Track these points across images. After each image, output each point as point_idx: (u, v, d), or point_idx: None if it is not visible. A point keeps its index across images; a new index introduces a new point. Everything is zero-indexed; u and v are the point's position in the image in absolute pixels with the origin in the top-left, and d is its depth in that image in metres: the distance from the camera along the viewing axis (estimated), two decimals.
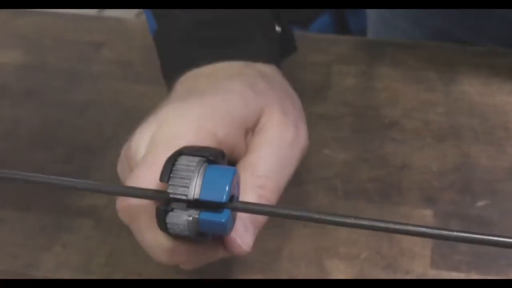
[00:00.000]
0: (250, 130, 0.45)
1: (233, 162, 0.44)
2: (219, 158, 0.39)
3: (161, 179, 0.37)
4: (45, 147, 0.60)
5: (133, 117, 0.60)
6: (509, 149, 0.58)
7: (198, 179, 0.37)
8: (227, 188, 0.37)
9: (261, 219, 0.43)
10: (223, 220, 0.37)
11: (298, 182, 0.55)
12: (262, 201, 0.42)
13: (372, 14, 0.86)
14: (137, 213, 0.40)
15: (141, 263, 0.50)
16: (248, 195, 0.41)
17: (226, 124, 0.42)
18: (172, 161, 0.38)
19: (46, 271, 0.50)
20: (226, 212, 0.37)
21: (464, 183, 0.55)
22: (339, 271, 0.49)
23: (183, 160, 0.38)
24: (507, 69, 0.65)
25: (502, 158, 0.57)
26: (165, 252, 0.40)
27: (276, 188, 0.43)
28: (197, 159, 0.38)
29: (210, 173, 0.38)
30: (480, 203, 0.53)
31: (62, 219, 0.53)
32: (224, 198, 0.37)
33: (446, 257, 0.50)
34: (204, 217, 0.37)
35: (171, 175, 0.37)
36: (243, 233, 0.41)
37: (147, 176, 0.39)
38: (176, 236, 0.39)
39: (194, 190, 0.37)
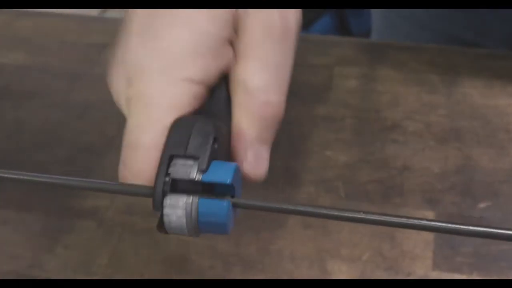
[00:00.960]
0: (232, 33, 0.39)
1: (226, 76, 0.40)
2: (213, 152, 0.37)
3: (155, 193, 0.37)
4: (47, 148, 0.60)
5: None
6: (511, 151, 0.58)
7: (197, 179, 0.36)
8: (229, 179, 0.36)
9: (270, 133, 0.39)
10: (224, 221, 0.37)
11: (300, 184, 0.55)
12: (268, 121, 0.38)
13: (376, 16, 0.87)
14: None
15: (143, 264, 0.50)
16: (251, 119, 0.38)
17: (198, 63, 0.38)
18: (165, 167, 0.37)
19: (48, 272, 0.50)
20: (226, 211, 0.37)
21: (466, 185, 0.55)
22: (341, 272, 0.49)
23: (176, 166, 0.37)
24: (509, 71, 0.65)
25: (503, 160, 0.57)
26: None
27: (282, 96, 0.38)
28: (191, 162, 0.37)
29: (210, 172, 0.37)
30: (481, 205, 0.53)
31: (64, 220, 0.53)
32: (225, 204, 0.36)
33: (447, 258, 0.50)
34: (203, 219, 0.37)
35: (165, 185, 0.36)
36: (254, 161, 0.38)
37: (136, 162, 0.37)
38: (160, 228, 0.38)
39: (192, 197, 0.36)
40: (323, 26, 1.54)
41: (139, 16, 0.40)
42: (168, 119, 0.37)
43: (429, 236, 0.51)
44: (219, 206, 0.36)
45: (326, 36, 0.75)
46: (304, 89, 0.64)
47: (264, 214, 0.53)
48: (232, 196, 0.37)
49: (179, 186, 0.36)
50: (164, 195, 0.36)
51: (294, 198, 0.54)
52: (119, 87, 0.39)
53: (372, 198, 0.54)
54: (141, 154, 0.37)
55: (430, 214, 0.53)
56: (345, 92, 0.64)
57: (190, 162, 0.36)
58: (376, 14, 0.87)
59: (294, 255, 0.50)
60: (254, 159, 0.38)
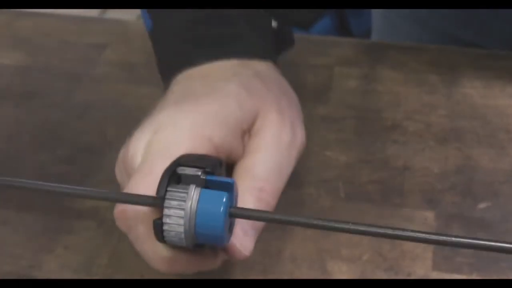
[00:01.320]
0: (247, 131, 0.45)
1: (231, 165, 0.44)
2: (216, 168, 0.39)
3: (158, 193, 0.37)
4: (47, 148, 0.60)
5: (135, 119, 0.60)
6: (511, 152, 0.58)
7: (196, 192, 0.37)
8: (224, 199, 0.37)
9: (261, 222, 0.43)
10: (220, 233, 0.38)
11: (300, 184, 0.55)
12: (262, 204, 0.42)
13: (377, 16, 0.87)
14: (134, 223, 0.40)
15: (143, 265, 0.50)
16: (247, 198, 0.41)
17: (221, 129, 0.42)
18: (169, 173, 0.38)
19: (48, 272, 0.50)
20: (223, 224, 0.38)
21: (466, 185, 0.55)
22: (341, 273, 0.49)
23: (182, 174, 0.38)
24: (509, 71, 0.65)
25: (503, 161, 0.57)
26: (164, 261, 0.40)
27: (276, 189, 0.43)
28: (194, 170, 0.38)
29: (208, 185, 0.38)
30: (481, 205, 0.53)
31: (64, 220, 0.53)
32: (222, 210, 0.37)
33: (447, 259, 0.50)
34: (201, 230, 0.38)
35: (168, 189, 0.37)
36: (243, 237, 0.41)
37: (143, 187, 0.39)
38: (174, 246, 0.39)
39: (191, 202, 0.37)
40: (323, 27, 1.54)
41: (175, 90, 0.46)
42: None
43: None
44: (215, 230, 0.37)
45: (326, 37, 0.75)
46: (304, 89, 0.64)
47: None
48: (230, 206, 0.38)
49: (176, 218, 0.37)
50: (162, 226, 0.37)
51: (294, 198, 0.54)
52: (141, 138, 0.42)
53: (372, 198, 0.54)
54: (151, 179, 0.39)
55: (430, 214, 0.53)
56: (345, 92, 0.64)
57: (194, 169, 0.37)
58: (377, 14, 0.87)
59: (295, 255, 0.50)
60: (242, 235, 0.41)
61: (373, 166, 0.57)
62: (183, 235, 0.38)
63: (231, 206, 0.38)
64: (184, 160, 0.39)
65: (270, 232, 0.52)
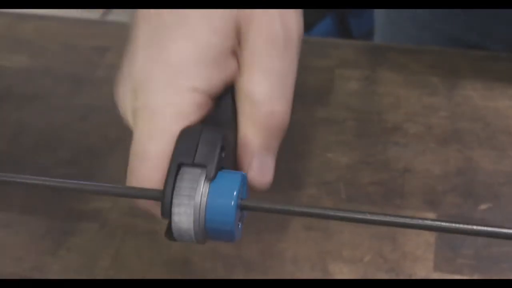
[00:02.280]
0: (235, 45, 0.40)
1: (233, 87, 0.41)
2: (220, 161, 0.38)
3: (165, 190, 0.37)
4: (49, 150, 0.60)
5: None
6: None
7: (205, 187, 0.37)
8: (235, 193, 0.37)
9: (275, 143, 0.39)
10: (231, 227, 0.37)
11: (301, 186, 0.55)
12: (273, 131, 0.39)
13: (379, 17, 0.87)
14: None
15: (145, 266, 0.50)
16: (256, 129, 0.39)
17: (203, 71, 0.39)
18: (173, 176, 0.37)
19: (51, 274, 0.50)
20: (233, 219, 0.37)
21: (467, 187, 0.55)
22: (343, 274, 0.49)
23: (185, 175, 0.38)
24: (510, 73, 0.65)
25: (504, 162, 0.57)
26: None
27: (286, 105, 0.39)
28: (199, 171, 0.38)
29: (217, 180, 0.37)
30: (482, 207, 0.54)
31: (66, 222, 0.53)
32: (232, 204, 0.37)
33: (448, 260, 0.50)
34: (211, 225, 0.37)
35: (176, 184, 0.37)
36: (259, 169, 0.39)
37: (144, 173, 0.38)
38: (169, 236, 0.38)
39: (200, 198, 0.37)
40: (324, 28, 1.54)
41: (144, 30, 0.41)
42: (174, 128, 0.38)
43: (430, 237, 0.51)
44: (227, 210, 0.37)
45: (327, 39, 0.75)
46: (305, 92, 0.64)
47: (266, 216, 0.53)
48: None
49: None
50: (173, 203, 0.36)
51: (295, 200, 0.54)
52: (126, 100, 0.40)
53: (373, 200, 0.54)
54: (149, 163, 0.38)
55: (431, 216, 0.53)
56: (346, 95, 0.64)
57: (198, 170, 0.37)
58: (379, 15, 0.87)
59: (296, 257, 0.50)
60: (260, 168, 0.39)
61: (374, 168, 0.57)
62: (192, 232, 0.37)
63: (242, 198, 0.38)
64: (182, 157, 0.37)
65: (272, 233, 0.52)
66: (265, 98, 0.38)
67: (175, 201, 0.37)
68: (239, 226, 0.39)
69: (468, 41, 0.75)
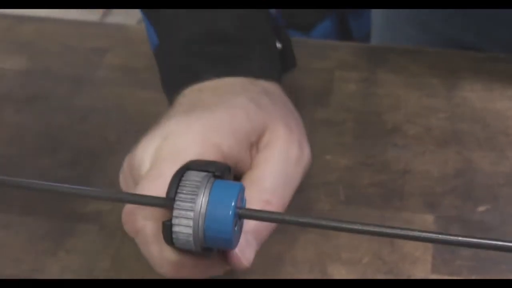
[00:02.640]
0: (254, 145, 0.45)
1: (237, 176, 0.44)
2: (225, 173, 0.39)
3: (168, 195, 0.38)
4: (49, 152, 0.60)
5: (137, 123, 0.61)
6: (511, 155, 0.58)
7: (205, 194, 0.38)
8: (233, 203, 0.37)
9: (264, 233, 0.43)
10: (229, 236, 0.38)
11: (300, 188, 0.55)
12: (265, 223, 0.42)
13: (377, 19, 0.87)
14: (142, 226, 0.41)
15: (145, 268, 0.50)
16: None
17: (230, 138, 0.43)
18: (179, 176, 0.38)
19: (50, 275, 0.50)
20: (231, 227, 0.38)
21: (466, 188, 0.55)
22: (341, 276, 0.49)
23: (189, 176, 0.38)
24: (508, 74, 0.65)
25: (503, 164, 0.57)
26: (171, 266, 0.40)
27: (282, 203, 0.44)
28: (203, 174, 0.38)
29: (216, 188, 0.38)
30: (481, 208, 0.54)
31: (66, 224, 0.53)
32: (230, 213, 0.37)
33: (447, 262, 0.50)
34: (209, 233, 0.38)
35: (178, 190, 0.38)
36: (245, 247, 0.41)
37: (153, 190, 0.40)
38: (181, 250, 0.39)
39: (200, 205, 0.37)
40: (324, 29, 1.54)
41: (182, 102, 0.47)
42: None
43: None
44: (224, 233, 0.38)
45: (327, 41, 0.75)
46: (304, 93, 0.64)
47: None
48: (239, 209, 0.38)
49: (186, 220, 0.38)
50: (171, 228, 0.38)
51: (294, 202, 0.54)
52: (149, 144, 0.43)
53: (372, 201, 0.54)
54: (160, 183, 0.40)
55: (430, 218, 0.53)
56: (346, 96, 0.64)
57: (203, 173, 0.38)
58: (376, 16, 0.87)
59: (295, 258, 0.51)
60: (245, 244, 0.42)
61: (373, 170, 0.57)
62: (191, 238, 0.38)
63: (240, 207, 0.38)
64: (193, 165, 0.39)
65: (272, 235, 0.52)
66: (268, 189, 0.43)
67: (176, 206, 0.37)
68: (238, 234, 0.39)
69: (466, 42, 0.75)
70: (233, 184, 0.39)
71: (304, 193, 0.55)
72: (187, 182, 0.38)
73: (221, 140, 0.42)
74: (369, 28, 0.90)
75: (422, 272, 0.49)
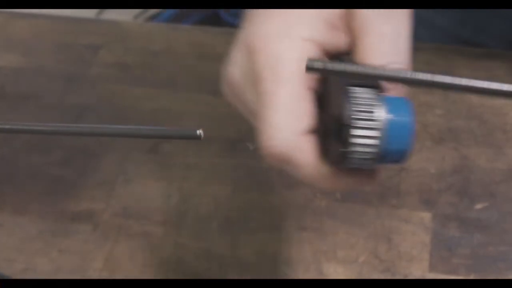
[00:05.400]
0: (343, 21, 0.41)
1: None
2: (380, 85, 0.37)
3: (343, 113, 0.35)
4: (42, 150, 0.59)
5: (131, 120, 0.60)
6: (508, 151, 0.57)
7: (381, 110, 0.36)
8: (411, 116, 0.36)
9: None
10: (408, 148, 0.36)
11: (295, 185, 0.55)
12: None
13: None
14: (289, 155, 0.38)
15: (138, 268, 0.50)
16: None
17: (321, 25, 0.40)
18: (345, 92, 0.36)
19: (43, 276, 0.50)
20: (411, 139, 0.36)
21: (463, 185, 0.55)
22: (337, 275, 0.49)
23: (357, 92, 0.36)
24: (505, 70, 0.65)
25: (500, 160, 0.57)
26: (329, 181, 0.38)
27: (407, 55, 0.41)
28: (367, 89, 0.36)
29: (389, 103, 0.36)
30: (478, 206, 0.53)
31: (59, 223, 0.53)
32: (410, 126, 0.36)
33: (444, 260, 0.49)
34: (390, 146, 0.36)
35: (352, 108, 0.35)
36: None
37: (277, 119, 0.37)
38: (339, 163, 0.37)
39: (380, 120, 0.35)
40: None
41: (258, 11, 0.42)
42: (299, 72, 0.38)
43: (426, 237, 0.51)
44: (406, 132, 0.36)
45: None
46: None
47: (260, 216, 0.53)
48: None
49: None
50: (352, 123, 0.35)
51: (289, 199, 0.54)
52: (236, 63, 0.40)
53: (368, 199, 0.54)
54: (280, 107, 0.37)
55: (426, 215, 0.52)
56: None
57: (369, 90, 0.36)
58: None
59: (290, 257, 0.50)
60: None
61: None
62: (369, 156, 0.36)
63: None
64: (353, 81, 0.36)
65: (266, 234, 0.52)
66: (389, 50, 0.39)
67: (353, 125, 0.35)
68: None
69: (463, 37, 0.74)
70: (401, 99, 0.37)
71: (300, 190, 0.55)
72: (358, 100, 0.36)
73: (311, 31, 0.39)
74: None
75: (419, 270, 0.49)
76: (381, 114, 0.35)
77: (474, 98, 0.62)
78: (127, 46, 0.70)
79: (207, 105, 0.62)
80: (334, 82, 0.38)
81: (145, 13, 1.49)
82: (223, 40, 0.70)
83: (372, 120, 0.35)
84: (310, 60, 0.33)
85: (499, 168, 0.56)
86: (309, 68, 0.33)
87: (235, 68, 0.40)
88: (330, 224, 0.52)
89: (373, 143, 0.35)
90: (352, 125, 0.35)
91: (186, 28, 0.77)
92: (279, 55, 0.38)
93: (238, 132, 0.59)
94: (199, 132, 0.37)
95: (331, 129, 0.37)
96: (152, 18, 1.51)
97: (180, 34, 0.71)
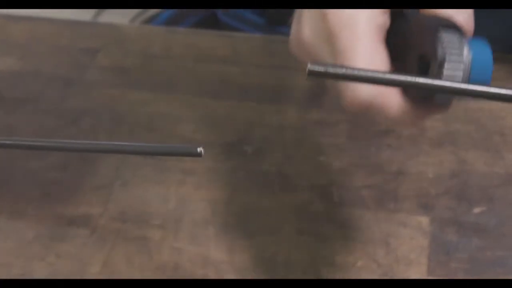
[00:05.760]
0: None
1: None
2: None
3: (437, 52, 0.38)
4: (39, 154, 0.59)
5: (128, 124, 0.60)
6: (506, 155, 0.57)
7: (467, 50, 0.39)
8: (491, 54, 0.40)
9: None
10: (488, 82, 0.40)
11: (293, 189, 0.55)
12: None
13: None
14: (375, 101, 0.40)
15: (135, 273, 0.50)
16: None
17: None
18: (438, 32, 0.39)
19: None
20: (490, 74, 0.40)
21: (461, 189, 0.55)
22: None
23: (447, 35, 0.39)
24: (503, 74, 0.65)
25: (498, 164, 0.57)
26: (411, 116, 0.40)
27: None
28: (453, 31, 0.39)
29: (472, 44, 0.40)
30: (476, 210, 0.53)
31: (56, 228, 0.53)
32: (492, 63, 0.40)
33: (442, 264, 0.49)
34: (474, 80, 0.39)
35: (445, 46, 0.38)
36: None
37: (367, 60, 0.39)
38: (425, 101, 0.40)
39: (467, 58, 0.39)
40: None
41: None
42: (373, 27, 0.40)
43: (424, 241, 0.51)
44: (488, 69, 0.41)
45: None
46: (297, 94, 0.64)
47: (258, 220, 0.53)
48: None
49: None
50: (447, 59, 0.38)
51: (287, 203, 0.54)
52: (309, 17, 0.42)
53: (366, 203, 0.54)
54: (360, 62, 0.39)
55: (424, 219, 0.52)
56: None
57: (456, 31, 0.39)
58: None
59: (288, 262, 0.50)
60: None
61: (367, 171, 0.56)
62: (455, 91, 0.39)
63: None
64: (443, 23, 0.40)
65: (264, 238, 0.52)
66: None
67: (447, 57, 0.38)
68: None
69: None
70: (479, 40, 0.41)
71: (296, 195, 0.55)
72: (449, 40, 0.39)
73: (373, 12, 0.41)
74: None
75: (418, 274, 0.49)
76: (467, 53, 0.39)
77: (472, 102, 0.62)
78: (125, 50, 0.70)
79: (205, 108, 0.62)
80: (418, 26, 0.41)
81: (142, 15, 1.49)
82: (221, 43, 0.70)
83: (460, 58, 0.39)
84: (312, 63, 0.35)
85: (497, 172, 0.56)
86: (311, 72, 0.35)
87: (305, 27, 0.42)
88: (328, 229, 0.52)
89: (460, 79, 0.39)
90: (446, 61, 0.38)
91: (183, 31, 0.77)
92: (352, 14, 0.40)
93: (236, 135, 0.59)
94: (200, 149, 0.37)
95: (415, 69, 0.40)
96: (150, 20, 1.51)
97: (178, 37, 0.71)
